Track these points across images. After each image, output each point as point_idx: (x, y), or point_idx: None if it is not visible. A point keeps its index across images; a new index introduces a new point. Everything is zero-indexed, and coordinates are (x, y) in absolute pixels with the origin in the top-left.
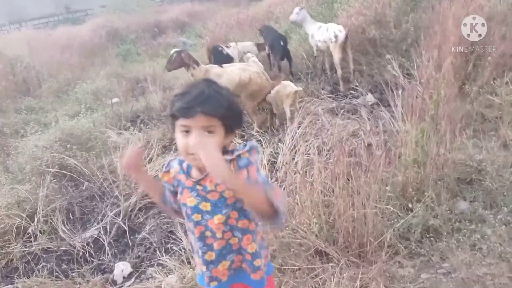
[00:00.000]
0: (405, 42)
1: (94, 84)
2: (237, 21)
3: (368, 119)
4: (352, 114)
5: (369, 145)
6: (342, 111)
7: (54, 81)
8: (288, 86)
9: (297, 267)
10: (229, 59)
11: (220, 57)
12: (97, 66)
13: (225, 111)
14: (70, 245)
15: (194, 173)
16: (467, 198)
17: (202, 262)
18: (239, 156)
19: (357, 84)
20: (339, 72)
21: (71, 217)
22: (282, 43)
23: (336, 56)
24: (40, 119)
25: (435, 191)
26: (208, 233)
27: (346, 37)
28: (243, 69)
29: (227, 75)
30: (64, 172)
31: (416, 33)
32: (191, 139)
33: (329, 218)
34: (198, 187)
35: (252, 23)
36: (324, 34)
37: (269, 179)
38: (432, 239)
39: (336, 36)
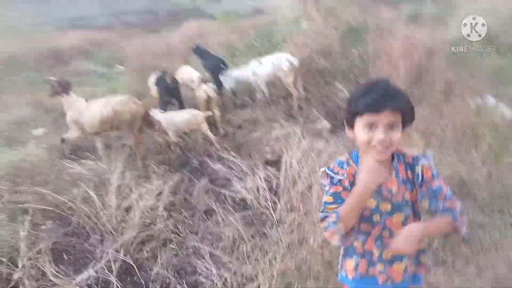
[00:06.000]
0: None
1: (12, 115)
2: (167, 47)
3: None
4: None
5: None
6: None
7: None
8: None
9: None
10: (177, 90)
11: (167, 89)
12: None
13: (407, 107)
14: None
15: None
16: None
17: (377, 260)
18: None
19: (313, 109)
20: (295, 94)
21: (61, 259)
22: (224, 67)
23: (289, 80)
24: None
25: None
26: (386, 233)
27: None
28: (104, 104)
29: (88, 112)
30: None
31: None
32: (378, 134)
33: None
34: (383, 191)
35: (170, 51)
36: (275, 64)
37: None
38: None
39: (291, 63)
